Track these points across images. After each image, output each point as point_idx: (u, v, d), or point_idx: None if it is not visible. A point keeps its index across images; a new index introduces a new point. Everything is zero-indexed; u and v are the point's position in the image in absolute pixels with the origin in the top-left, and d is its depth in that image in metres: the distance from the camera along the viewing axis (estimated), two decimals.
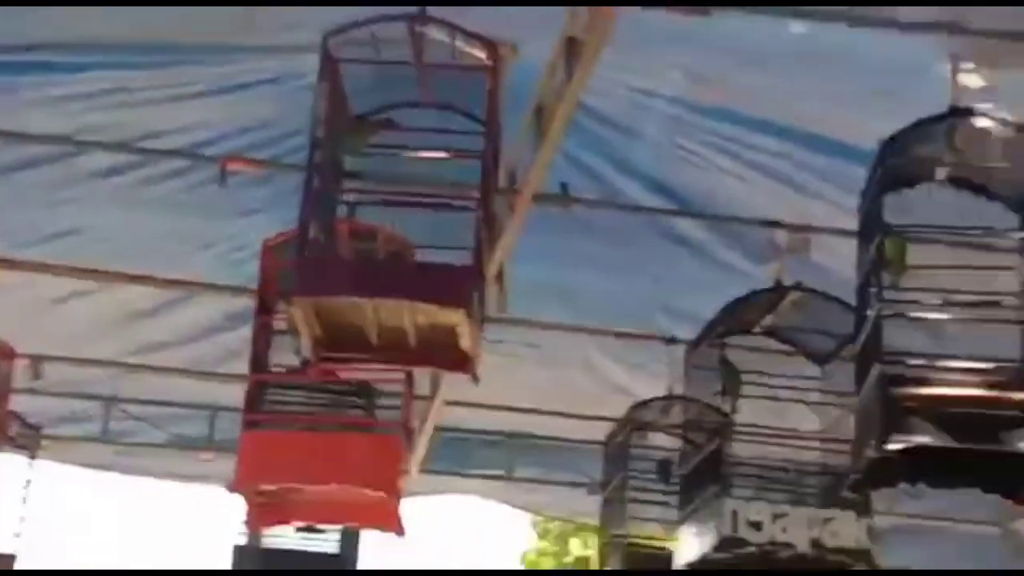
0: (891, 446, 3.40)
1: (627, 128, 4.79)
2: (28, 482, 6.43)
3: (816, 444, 4.73)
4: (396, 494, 4.55)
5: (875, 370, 3.46)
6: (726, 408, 4.75)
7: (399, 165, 3.67)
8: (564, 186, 4.60)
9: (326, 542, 6.20)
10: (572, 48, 3.66)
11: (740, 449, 4.81)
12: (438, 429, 6.61)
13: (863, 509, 4.55)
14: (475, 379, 3.62)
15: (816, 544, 4.49)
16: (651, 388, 5.84)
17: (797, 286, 4.61)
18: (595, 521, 6.16)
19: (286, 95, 4.36)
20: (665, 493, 5.51)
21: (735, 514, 4.48)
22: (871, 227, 3.61)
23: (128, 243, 5.35)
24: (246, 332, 4.57)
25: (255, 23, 4.05)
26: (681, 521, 4.92)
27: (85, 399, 7.23)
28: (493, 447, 7.82)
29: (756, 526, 4.49)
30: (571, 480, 7.62)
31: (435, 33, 3.40)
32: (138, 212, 5.12)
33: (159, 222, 5.19)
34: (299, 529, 6.16)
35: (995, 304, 3.51)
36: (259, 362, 4.42)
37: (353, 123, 3.53)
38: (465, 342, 3.39)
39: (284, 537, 6.17)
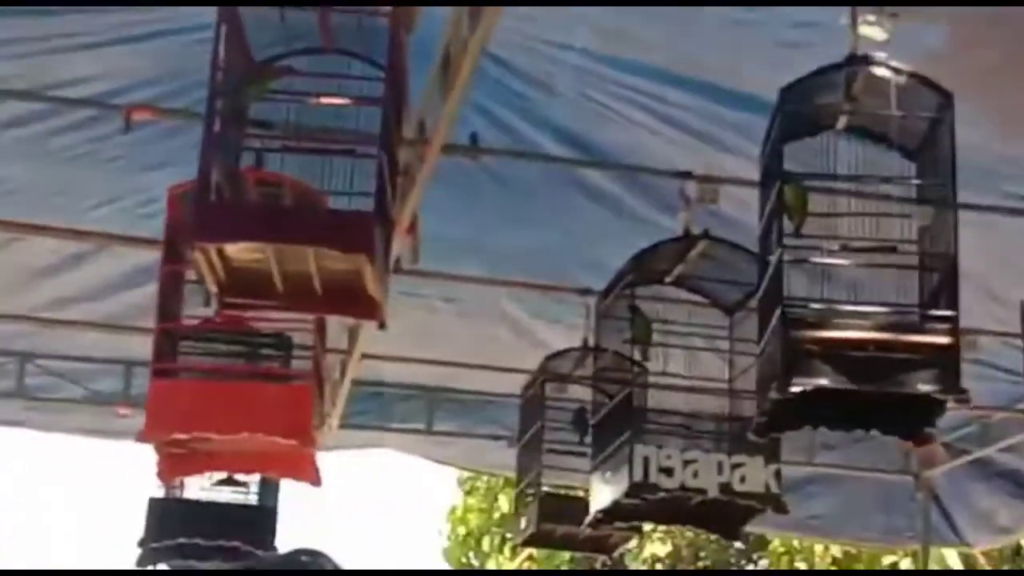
0: (792, 389, 3.47)
1: (538, 81, 4.81)
2: None
3: (725, 392, 4.79)
4: (310, 443, 4.57)
5: (776, 314, 3.52)
6: (637, 357, 4.79)
7: (307, 114, 3.67)
8: (474, 136, 4.61)
9: (245, 494, 6.20)
10: None
11: (651, 398, 4.87)
12: (357, 383, 6.63)
13: (772, 455, 4.62)
14: (382, 326, 3.64)
15: (726, 489, 4.56)
16: (568, 340, 5.89)
17: (704, 235, 4.65)
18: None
19: (194, 45, 4.32)
20: (580, 443, 5.57)
21: (646, 460, 4.54)
22: (771, 175, 3.66)
23: (33, 196, 5.30)
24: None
25: None
26: (593, 469, 4.97)
27: None
28: (413, 401, 7.86)
29: (667, 472, 4.55)
30: (491, 433, 7.68)
31: None
32: (42, 164, 5.07)
33: (64, 175, 5.14)
34: (219, 481, 6.18)
35: (892, 250, 3.58)
36: (166, 311, 4.41)
37: (254, 69, 3.52)
38: (370, 289, 3.41)
39: (203, 491, 6.17)
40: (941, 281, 3.49)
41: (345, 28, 3.58)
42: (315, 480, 4.91)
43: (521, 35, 4.40)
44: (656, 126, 4.87)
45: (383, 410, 7.92)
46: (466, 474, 15.83)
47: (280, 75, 3.52)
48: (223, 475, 5.92)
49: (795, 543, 13.48)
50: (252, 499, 6.21)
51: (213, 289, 3.38)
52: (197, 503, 6.12)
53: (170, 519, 5.98)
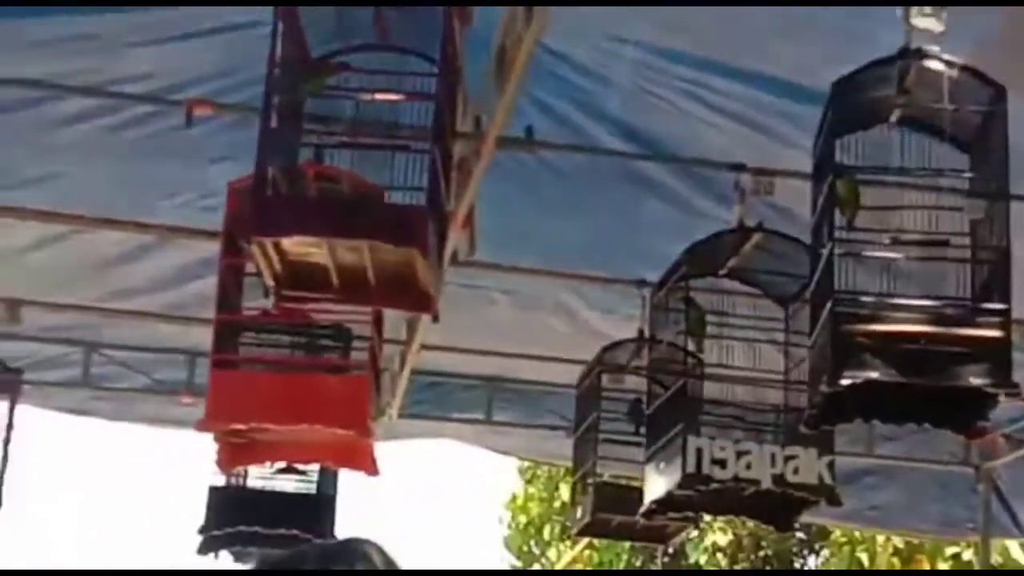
0: (842, 382, 3.48)
1: (596, 74, 4.84)
2: (10, 427, 6.51)
3: (780, 384, 4.80)
4: (367, 434, 4.63)
5: (827, 308, 3.54)
6: (691, 349, 4.82)
7: (366, 109, 3.73)
8: (529, 129, 4.64)
9: (305, 482, 6.28)
10: None
11: (706, 389, 4.90)
12: (417, 373, 6.69)
13: (826, 447, 4.63)
14: (435, 319, 3.69)
15: (779, 480, 4.57)
16: (625, 331, 5.91)
17: (759, 227, 4.67)
18: None
19: (254, 41, 4.38)
20: (636, 433, 5.60)
21: (699, 451, 4.56)
22: (824, 168, 3.67)
23: (97, 190, 5.39)
24: None
25: None
26: (648, 460, 5.00)
27: (65, 344, 7.30)
28: (472, 391, 7.91)
29: (720, 463, 4.57)
30: (549, 423, 7.71)
31: None
32: (106, 159, 5.15)
33: (128, 169, 5.23)
34: (279, 470, 6.25)
35: (944, 243, 3.58)
36: (226, 303, 4.48)
37: (311, 65, 3.58)
38: (423, 282, 3.46)
39: (262, 479, 6.25)
40: (993, 274, 3.49)
41: (401, 23, 3.63)
42: (372, 470, 4.97)
43: (577, 28, 4.42)
44: (712, 118, 4.88)
45: (442, 400, 7.98)
46: (527, 463, 15.89)
47: (336, 71, 3.57)
48: (283, 464, 5.99)
49: (856, 534, 13.43)
50: (311, 488, 6.28)
51: (270, 282, 3.45)
52: (256, 491, 6.19)
53: (230, 507, 6.06)
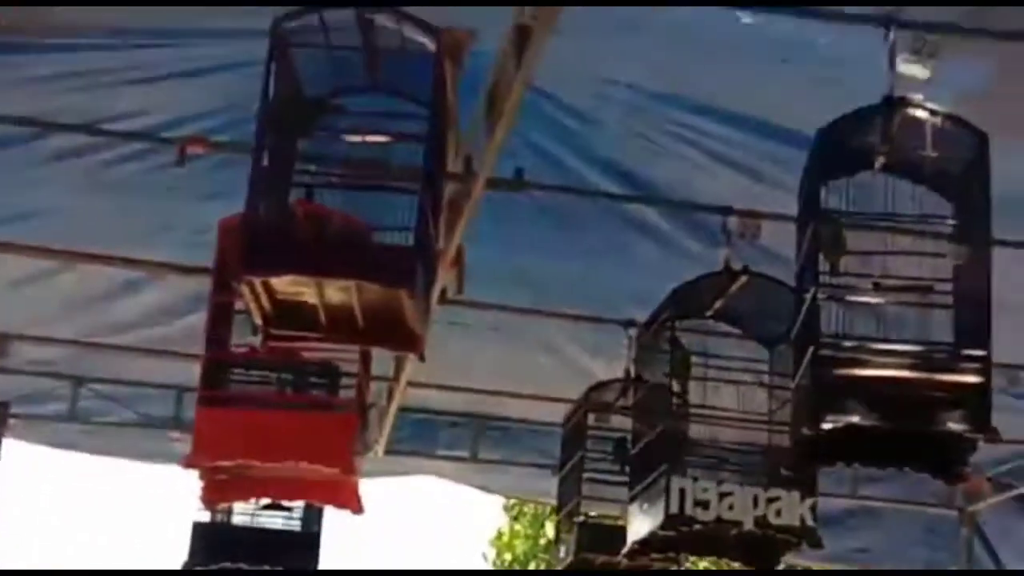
0: (823, 426, 3.51)
1: (588, 116, 4.88)
2: None
3: (764, 425, 4.82)
4: (352, 472, 4.63)
5: (809, 351, 3.57)
6: (676, 389, 4.84)
7: (357, 148, 3.76)
8: (519, 171, 4.68)
9: (289, 520, 6.28)
10: (522, 36, 3.75)
11: (690, 430, 4.92)
12: (403, 410, 6.71)
13: (808, 489, 4.65)
14: (422, 358, 3.71)
15: (762, 522, 4.59)
16: (612, 371, 5.94)
17: (744, 270, 4.70)
18: None
19: (247, 79, 4.42)
20: (621, 473, 5.61)
21: (682, 492, 4.58)
22: (808, 214, 3.71)
23: (89, 225, 5.42)
24: None
25: (215, 7, 4.12)
26: (631, 500, 5.02)
27: (53, 378, 7.31)
28: (458, 428, 7.92)
29: (703, 505, 4.59)
30: (535, 462, 7.73)
31: (385, 20, 3.49)
32: (98, 194, 5.18)
33: (120, 205, 5.26)
34: (265, 506, 6.25)
35: (927, 289, 3.62)
36: (214, 340, 4.50)
37: (303, 106, 3.61)
38: (410, 322, 3.48)
39: (247, 515, 6.25)
40: (974, 320, 3.52)
41: (392, 65, 3.66)
42: (357, 508, 4.98)
43: (572, 71, 4.47)
44: (702, 161, 4.92)
45: (428, 437, 8.00)
46: (513, 500, 15.86)
47: (329, 111, 3.61)
48: (268, 500, 6.00)
49: None
50: (296, 524, 6.28)
51: (258, 321, 3.47)
52: (241, 528, 6.19)
53: (214, 543, 6.05)
